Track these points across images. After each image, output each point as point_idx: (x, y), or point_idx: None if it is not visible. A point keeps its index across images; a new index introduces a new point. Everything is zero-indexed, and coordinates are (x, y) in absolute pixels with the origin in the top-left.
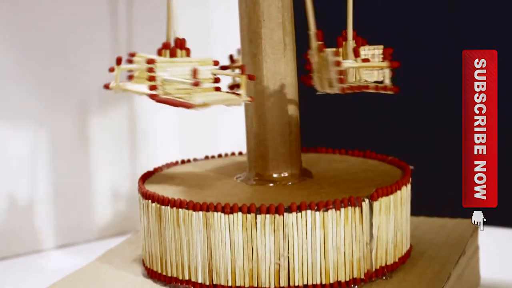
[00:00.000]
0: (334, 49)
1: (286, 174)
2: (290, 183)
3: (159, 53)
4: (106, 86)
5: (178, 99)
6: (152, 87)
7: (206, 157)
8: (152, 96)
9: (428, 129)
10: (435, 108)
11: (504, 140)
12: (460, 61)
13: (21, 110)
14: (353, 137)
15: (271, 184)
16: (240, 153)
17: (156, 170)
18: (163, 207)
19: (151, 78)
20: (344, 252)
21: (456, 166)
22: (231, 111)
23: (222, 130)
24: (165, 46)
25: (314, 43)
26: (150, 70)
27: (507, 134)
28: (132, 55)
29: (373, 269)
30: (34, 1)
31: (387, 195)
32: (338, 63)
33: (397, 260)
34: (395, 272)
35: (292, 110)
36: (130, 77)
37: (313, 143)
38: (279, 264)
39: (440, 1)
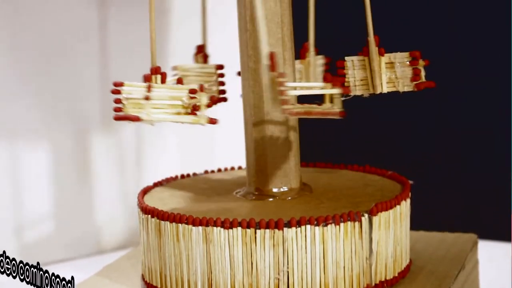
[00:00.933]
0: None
1: (286, 189)
2: (289, 198)
3: (148, 79)
4: (136, 118)
5: (320, 110)
6: (284, 102)
7: (206, 172)
8: (287, 111)
9: (428, 143)
10: (435, 123)
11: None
12: (463, 71)
13: (22, 125)
14: (353, 151)
15: (271, 199)
16: (240, 168)
17: (155, 184)
18: (162, 222)
19: (283, 93)
20: (344, 267)
21: (455, 181)
22: (230, 126)
23: (221, 145)
24: (155, 71)
25: (374, 48)
26: (281, 84)
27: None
28: (119, 84)
29: (373, 283)
30: (34, 12)
31: (386, 210)
32: (415, 63)
33: (396, 274)
34: (395, 287)
35: (292, 125)
36: (118, 110)
37: (313, 158)
38: (278, 279)
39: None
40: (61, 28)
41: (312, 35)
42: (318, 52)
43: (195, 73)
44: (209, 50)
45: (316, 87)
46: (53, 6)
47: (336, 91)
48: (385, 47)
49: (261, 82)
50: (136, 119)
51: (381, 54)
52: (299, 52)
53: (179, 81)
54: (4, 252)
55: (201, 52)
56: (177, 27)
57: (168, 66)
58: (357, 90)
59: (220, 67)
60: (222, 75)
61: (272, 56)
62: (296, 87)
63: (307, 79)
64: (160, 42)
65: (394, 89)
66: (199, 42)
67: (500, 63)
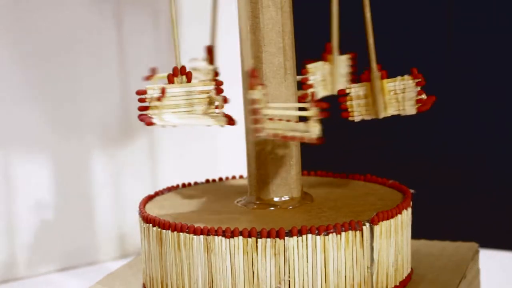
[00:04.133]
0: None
1: (287, 198)
2: (290, 207)
3: (171, 80)
4: (149, 123)
5: (296, 134)
6: (256, 122)
7: (207, 181)
8: (259, 131)
9: (429, 153)
10: (436, 131)
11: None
12: (463, 81)
13: (22, 132)
14: (354, 160)
15: (272, 208)
16: (241, 177)
17: (157, 193)
18: (164, 231)
19: (256, 112)
20: (345, 276)
21: (456, 190)
22: (232, 135)
23: (223, 154)
24: (178, 71)
25: (376, 73)
26: (254, 102)
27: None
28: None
29: None
30: (37, 17)
31: (387, 219)
32: (420, 83)
33: (398, 283)
34: None
35: None
36: (143, 110)
37: (314, 167)
38: None
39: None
40: (65, 36)
41: (336, 35)
42: (341, 53)
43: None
44: (216, 56)
45: (295, 108)
46: (57, 10)
47: (315, 113)
48: (386, 57)
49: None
50: (149, 123)
51: (383, 77)
52: (321, 55)
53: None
54: None
55: (210, 54)
56: (187, 31)
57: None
58: (360, 115)
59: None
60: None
61: (253, 73)
62: (273, 107)
63: (333, 79)
64: (168, 46)
65: (397, 113)
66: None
67: (501, 70)
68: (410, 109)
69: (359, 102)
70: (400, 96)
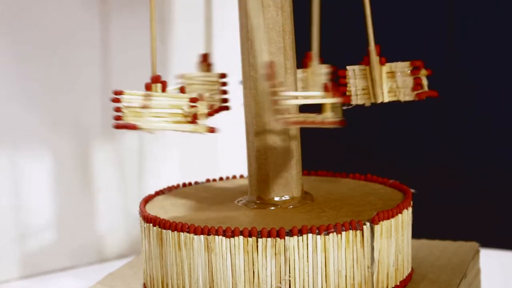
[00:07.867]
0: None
1: (288, 198)
2: (291, 207)
3: (148, 88)
4: (134, 127)
5: (317, 119)
6: (279, 112)
7: (207, 180)
8: (281, 121)
9: (429, 152)
10: (436, 131)
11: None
12: (463, 81)
13: (23, 133)
14: (354, 160)
15: (273, 208)
16: (241, 177)
17: (157, 193)
18: (164, 230)
19: (277, 102)
20: (346, 276)
21: (457, 190)
22: (232, 135)
23: (223, 154)
24: (155, 79)
25: (375, 57)
26: (276, 93)
27: None
28: (119, 93)
29: None
30: (35, 17)
31: (388, 218)
32: (417, 72)
33: (398, 283)
34: None
35: (293, 133)
36: (118, 118)
37: (314, 167)
38: None
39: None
40: (62, 34)
41: (316, 44)
42: (322, 61)
43: (199, 82)
44: (211, 58)
45: (315, 96)
46: (54, 11)
47: (335, 100)
48: (388, 56)
49: (263, 91)
50: (134, 127)
51: (381, 63)
52: (302, 61)
53: (182, 89)
54: None
55: (205, 61)
56: (178, 35)
57: (169, 74)
58: (358, 99)
59: (223, 75)
60: (225, 84)
61: (271, 66)
62: (293, 96)
63: (309, 88)
64: (160, 49)
65: (395, 99)
66: (200, 50)
67: (501, 70)
68: (406, 96)
69: (357, 87)
70: (397, 81)
